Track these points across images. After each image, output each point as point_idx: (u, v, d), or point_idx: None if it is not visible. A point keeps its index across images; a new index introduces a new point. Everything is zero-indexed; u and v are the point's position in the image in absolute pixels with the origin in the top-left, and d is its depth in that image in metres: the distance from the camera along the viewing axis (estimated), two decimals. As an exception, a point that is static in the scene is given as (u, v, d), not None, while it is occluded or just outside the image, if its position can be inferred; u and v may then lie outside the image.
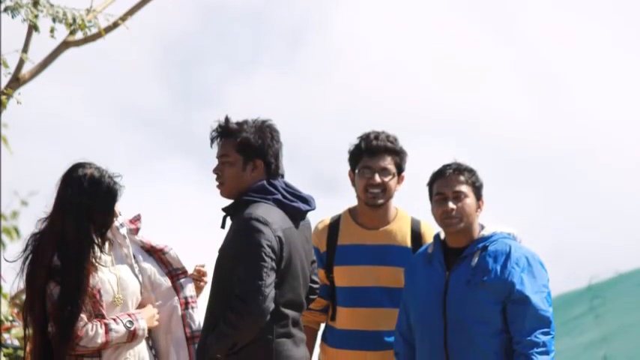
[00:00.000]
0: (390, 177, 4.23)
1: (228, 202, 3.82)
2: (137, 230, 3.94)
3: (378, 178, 4.20)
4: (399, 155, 4.28)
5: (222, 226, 3.78)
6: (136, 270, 3.87)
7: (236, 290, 3.58)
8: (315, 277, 3.95)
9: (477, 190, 3.97)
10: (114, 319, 3.75)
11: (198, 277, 4.02)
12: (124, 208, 3.92)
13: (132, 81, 5.09)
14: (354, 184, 4.33)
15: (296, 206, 3.74)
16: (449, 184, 3.92)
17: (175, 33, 5.32)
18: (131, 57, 5.03)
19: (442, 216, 3.91)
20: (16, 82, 5.22)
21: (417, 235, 4.33)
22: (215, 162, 3.83)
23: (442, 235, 4.02)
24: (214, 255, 3.78)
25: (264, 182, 3.72)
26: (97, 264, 3.75)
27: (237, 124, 3.77)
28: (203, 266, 4.03)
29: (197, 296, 4.03)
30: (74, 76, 5.02)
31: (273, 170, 3.74)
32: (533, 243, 4.07)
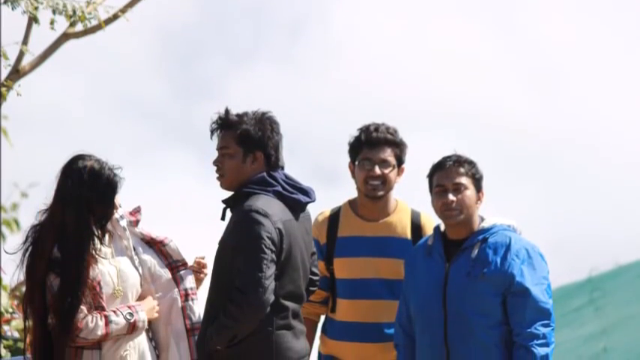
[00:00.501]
0: (390, 169, 4.20)
1: (229, 194, 3.76)
2: (137, 222, 3.89)
3: (378, 170, 4.17)
4: (399, 147, 4.24)
5: (222, 218, 3.74)
6: (136, 262, 3.83)
7: (236, 282, 3.54)
8: (315, 269, 3.92)
9: (477, 182, 3.93)
10: (114, 311, 3.71)
11: (198, 269, 3.98)
12: (124, 200, 3.86)
13: (132, 73, 5.04)
14: (354, 176, 4.27)
15: (296, 198, 3.70)
16: (449, 176, 3.88)
17: (175, 25, 5.26)
18: (131, 49, 4.97)
19: (442, 208, 3.86)
20: (16, 74, 5.15)
21: (417, 226, 4.30)
22: (215, 154, 3.78)
23: (442, 227, 3.98)
24: (214, 247, 3.75)
25: (264, 174, 3.68)
26: (97, 256, 3.70)
27: (237, 116, 3.73)
28: (203, 258, 3.99)
29: (197, 288, 3.98)
30: (74, 68, 4.98)
31: (273, 162, 3.71)
32: (533, 235, 4.03)
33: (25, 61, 5.33)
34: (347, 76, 5.45)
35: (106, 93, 4.91)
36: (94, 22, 5.23)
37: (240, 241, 3.56)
